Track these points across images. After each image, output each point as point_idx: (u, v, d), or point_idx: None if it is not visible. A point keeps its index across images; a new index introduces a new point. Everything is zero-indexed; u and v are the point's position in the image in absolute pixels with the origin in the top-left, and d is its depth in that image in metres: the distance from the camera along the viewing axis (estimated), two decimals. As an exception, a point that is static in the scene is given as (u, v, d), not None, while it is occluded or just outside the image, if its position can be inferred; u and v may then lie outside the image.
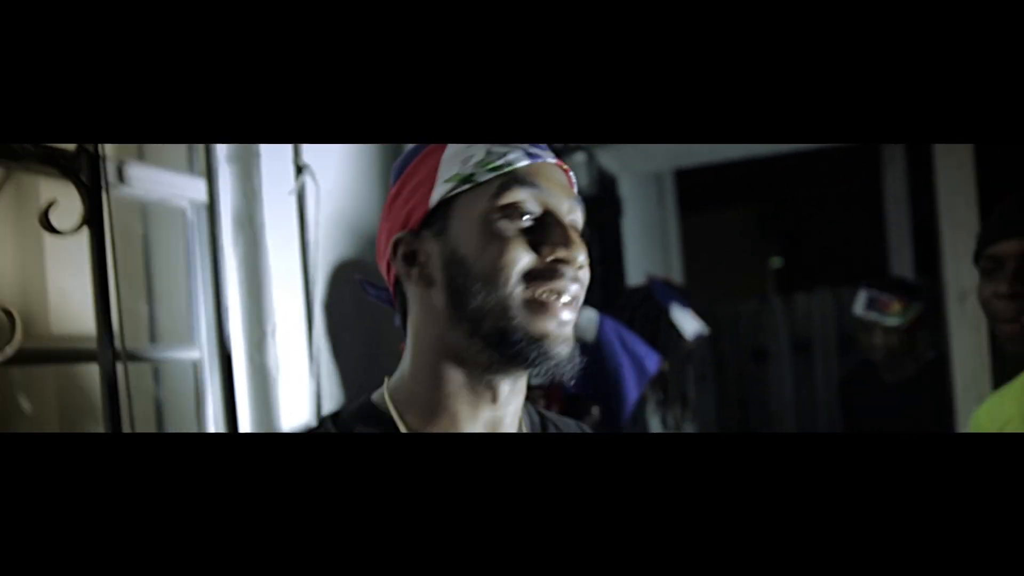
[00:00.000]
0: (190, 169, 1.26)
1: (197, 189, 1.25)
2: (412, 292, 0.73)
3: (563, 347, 0.69)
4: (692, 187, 4.08)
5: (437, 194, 0.71)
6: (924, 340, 2.47)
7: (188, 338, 1.28)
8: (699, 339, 1.90)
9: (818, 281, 4.30)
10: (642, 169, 3.57)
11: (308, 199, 1.35)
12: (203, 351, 1.27)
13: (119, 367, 0.87)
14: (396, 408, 0.73)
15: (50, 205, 0.85)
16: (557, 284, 0.68)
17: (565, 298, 0.69)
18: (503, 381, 0.71)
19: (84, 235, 0.91)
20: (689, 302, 1.88)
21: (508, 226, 0.69)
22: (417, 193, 0.72)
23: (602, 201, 3.02)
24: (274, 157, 1.29)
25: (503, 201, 0.69)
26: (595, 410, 1.54)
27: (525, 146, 0.72)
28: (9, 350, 0.78)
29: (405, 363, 0.75)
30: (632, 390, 1.63)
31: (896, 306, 2.32)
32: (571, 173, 0.76)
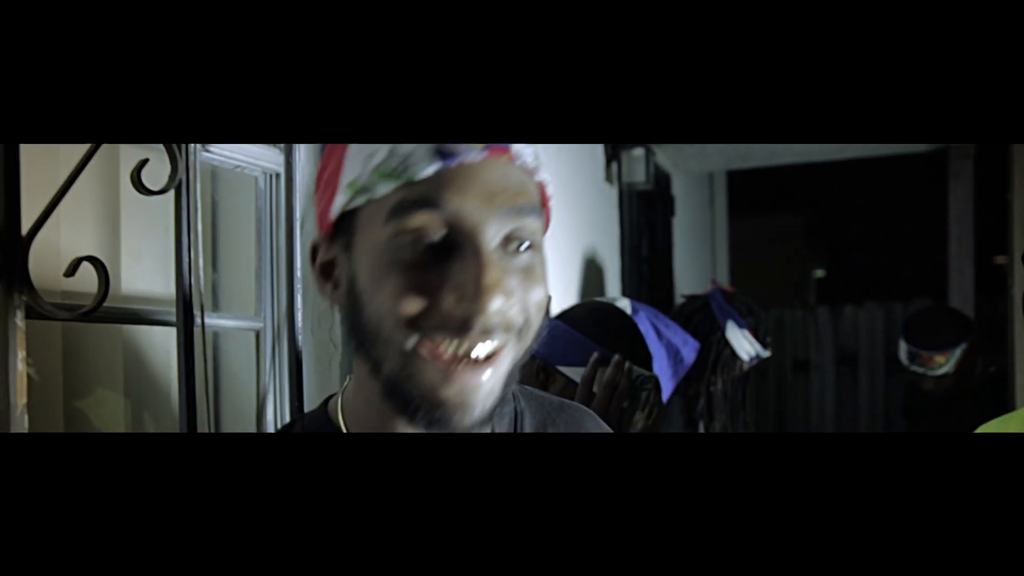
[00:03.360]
0: (265, 138, 1.25)
1: (270, 159, 1.24)
2: None
3: (465, 416, 0.55)
4: (744, 189, 4.01)
5: (338, 203, 0.58)
6: (983, 360, 2.42)
7: (250, 307, 1.28)
8: (757, 359, 1.81)
9: (862, 294, 4.21)
10: (696, 168, 3.51)
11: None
12: (266, 322, 1.27)
13: (196, 334, 0.86)
14: (344, 419, 0.65)
15: (143, 164, 0.84)
16: (459, 338, 0.54)
17: (475, 354, 0.54)
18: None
19: (159, 198, 0.90)
20: (749, 321, 1.78)
21: (403, 258, 0.54)
22: (327, 192, 0.60)
23: (655, 198, 2.98)
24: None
25: (398, 227, 0.54)
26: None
27: (439, 144, 0.56)
28: (95, 302, 0.77)
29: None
30: (667, 381, 1.57)
31: (938, 359, 2.26)
32: (521, 162, 0.58)
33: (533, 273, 0.57)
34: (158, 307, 1.12)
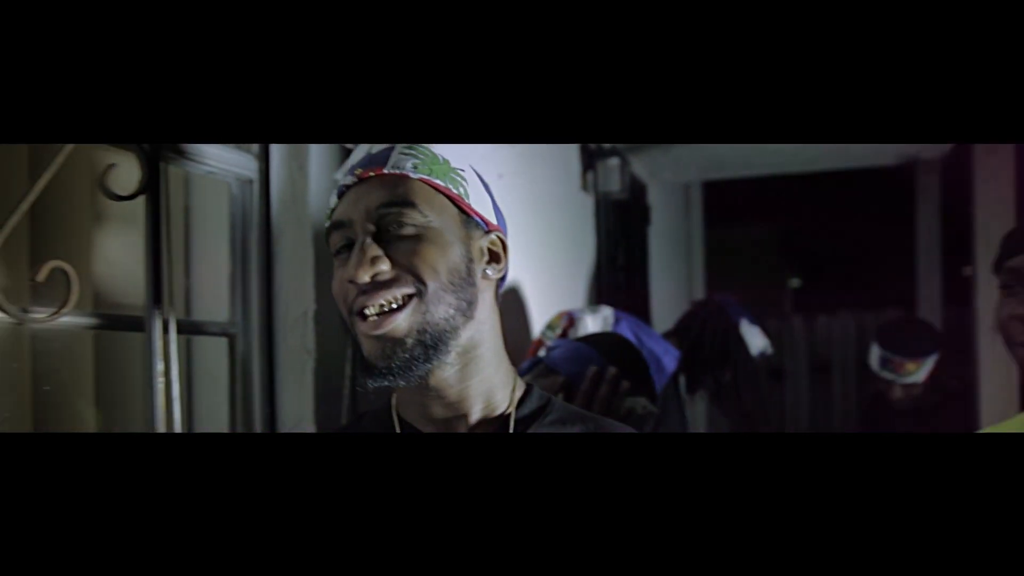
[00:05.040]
0: (238, 144, 1.26)
1: (243, 164, 1.25)
2: None
3: (376, 360, 0.74)
4: (719, 200, 4.05)
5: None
6: (945, 373, 2.45)
7: (223, 313, 1.28)
8: (762, 357, 1.92)
9: (837, 304, 4.27)
10: (671, 178, 3.55)
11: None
12: (239, 328, 1.27)
13: (166, 339, 0.87)
14: (397, 404, 0.82)
15: (109, 168, 0.85)
16: (355, 302, 0.74)
17: (367, 311, 0.74)
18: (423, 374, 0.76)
19: (130, 204, 0.90)
20: (758, 320, 1.90)
21: (336, 263, 0.78)
22: None
23: (631, 207, 3.01)
24: (323, 139, 1.29)
25: (333, 246, 0.78)
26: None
27: (349, 169, 0.79)
28: (65, 310, 0.78)
29: None
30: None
31: (910, 366, 2.31)
32: (384, 171, 0.77)
33: (420, 247, 0.75)
34: (132, 313, 1.12)
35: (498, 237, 0.81)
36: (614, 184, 2.57)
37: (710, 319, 1.95)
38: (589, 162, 2.58)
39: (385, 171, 0.76)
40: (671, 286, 3.50)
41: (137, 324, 0.97)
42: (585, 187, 2.59)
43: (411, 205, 0.75)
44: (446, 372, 0.76)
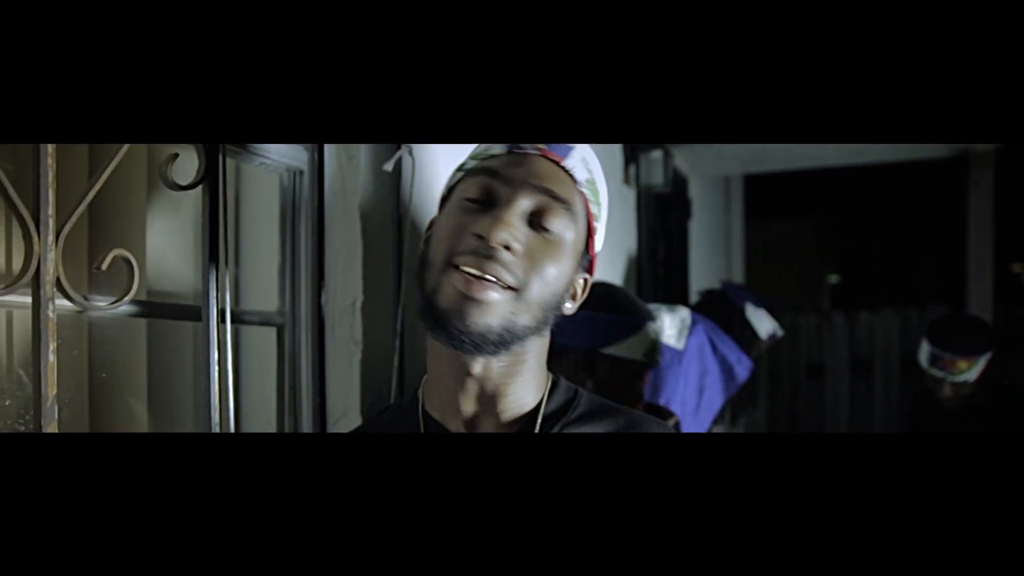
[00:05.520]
0: (289, 135, 1.26)
1: (293, 156, 1.25)
2: None
3: (458, 321, 0.70)
4: (760, 193, 3.98)
5: (447, 183, 0.80)
6: (995, 371, 2.38)
7: (270, 303, 1.29)
8: (773, 339, 1.91)
9: (876, 300, 4.18)
10: (713, 172, 3.50)
11: (404, 173, 1.34)
12: (287, 318, 1.27)
13: (222, 328, 0.87)
14: (424, 393, 0.81)
15: (171, 158, 0.85)
16: (467, 257, 0.70)
17: (473, 271, 0.70)
18: (469, 357, 0.74)
19: (184, 195, 0.90)
20: (763, 303, 1.89)
21: (462, 206, 0.74)
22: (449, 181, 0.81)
23: (672, 201, 2.97)
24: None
25: (468, 189, 0.74)
26: (672, 421, 1.52)
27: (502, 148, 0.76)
28: (127, 298, 0.78)
29: None
30: (717, 396, 1.60)
31: (961, 364, 2.24)
32: (564, 163, 0.76)
33: (548, 255, 0.73)
34: (181, 302, 1.13)
35: (586, 281, 0.82)
36: (657, 178, 2.54)
37: (714, 306, 1.95)
38: (632, 156, 2.55)
39: (564, 164, 0.76)
40: (711, 280, 3.45)
41: (193, 313, 0.97)
42: (627, 181, 2.56)
43: (569, 210, 0.75)
44: (492, 365, 0.76)
